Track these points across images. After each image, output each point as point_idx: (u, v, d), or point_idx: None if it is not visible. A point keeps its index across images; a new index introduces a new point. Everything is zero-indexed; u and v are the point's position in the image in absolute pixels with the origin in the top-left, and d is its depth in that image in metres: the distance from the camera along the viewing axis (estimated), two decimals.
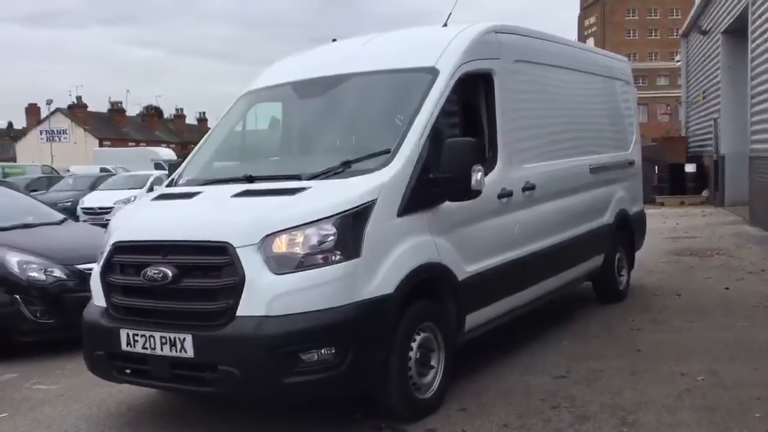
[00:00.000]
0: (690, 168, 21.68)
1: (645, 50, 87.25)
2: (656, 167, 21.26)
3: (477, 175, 4.60)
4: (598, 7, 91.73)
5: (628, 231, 8.03)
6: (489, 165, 5.40)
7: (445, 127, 4.94)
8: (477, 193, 4.69)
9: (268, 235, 4.11)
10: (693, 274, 9.41)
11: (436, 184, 4.61)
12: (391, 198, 4.40)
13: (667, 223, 15.47)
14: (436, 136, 4.70)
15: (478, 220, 5.14)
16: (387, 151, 4.59)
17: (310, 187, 4.43)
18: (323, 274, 4.07)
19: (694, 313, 7.16)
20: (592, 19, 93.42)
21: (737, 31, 17.00)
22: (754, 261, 10.18)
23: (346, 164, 4.59)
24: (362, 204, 4.24)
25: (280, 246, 4.11)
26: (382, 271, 4.22)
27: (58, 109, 65.60)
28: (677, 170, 21.84)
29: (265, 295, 4.02)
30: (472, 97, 5.48)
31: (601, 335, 6.50)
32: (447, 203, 4.73)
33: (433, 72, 5.00)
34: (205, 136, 5.97)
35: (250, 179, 4.78)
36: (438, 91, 4.91)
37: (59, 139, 63.37)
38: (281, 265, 4.07)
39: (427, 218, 4.64)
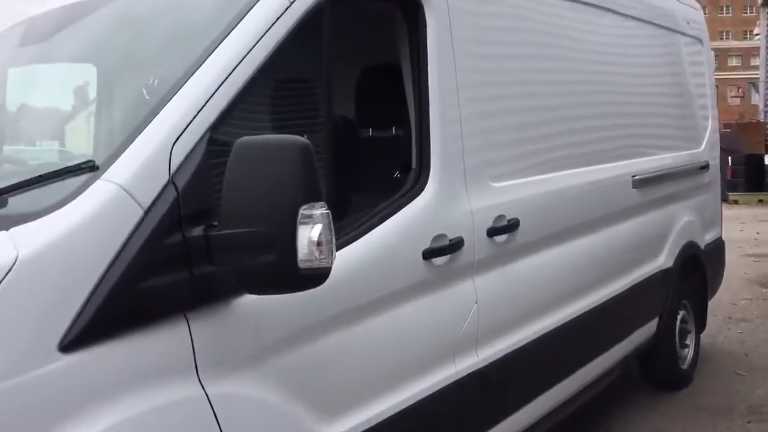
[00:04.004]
0: None
1: (715, 28, 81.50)
2: (729, 158, 18.49)
3: (311, 232, 1.81)
4: None
5: (697, 275, 5.10)
6: (411, 188, 2.65)
7: (284, 110, 2.29)
8: (314, 279, 1.89)
9: None
10: None
11: (206, 251, 1.86)
12: (55, 297, 1.65)
13: (745, 231, 12.26)
14: (224, 134, 1.97)
15: (361, 318, 2.37)
16: (91, 167, 1.85)
17: None
18: None
19: None
20: None
21: None
22: None
23: None
24: None
25: None
26: None
27: None
28: (755, 162, 19.37)
29: None
30: (373, 50, 2.80)
31: None
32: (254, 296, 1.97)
33: None
34: None
35: None
36: (256, 24, 2.14)
37: None
38: None
39: (181, 341, 1.87)
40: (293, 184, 1.80)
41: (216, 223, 1.85)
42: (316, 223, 1.82)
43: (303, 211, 1.80)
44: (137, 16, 2.46)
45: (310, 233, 1.81)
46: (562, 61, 3.56)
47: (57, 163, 2.06)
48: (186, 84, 1.98)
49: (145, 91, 2.05)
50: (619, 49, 4.19)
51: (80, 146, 2.25)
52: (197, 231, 1.85)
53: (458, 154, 2.78)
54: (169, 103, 1.94)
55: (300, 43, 2.26)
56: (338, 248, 2.26)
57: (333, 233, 1.86)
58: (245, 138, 1.84)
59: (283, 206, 1.79)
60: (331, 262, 1.87)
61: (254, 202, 1.79)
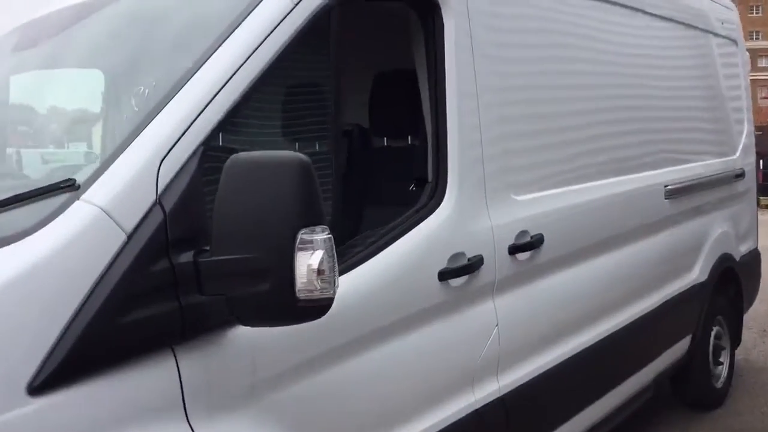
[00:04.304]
0: None
1: (745, 29, 79.76)
2: (761, 161, 17.80)
3: (311, 259, 1.62)
4: None
5: (732, 289, 4.84)
6: (426, 203, 2.45)
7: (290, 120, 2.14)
8: (314, 312, 1.69)
9: None
10: None
11: (195, 279, 1.68)
12: (24, 332, 1.48)
13: None
14: (222, 148, 1.79)
15: (371, 346, 2.18)
16: (71, 186, 1.68)
17: None
18: None
19: None
20: None
21: None
22: None
23: None
24: None
25: None
26: None
27: None
28: None
29: None
30: (387, 54, 2.64)
31: None
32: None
33: None
34: None
35: None
36: (257, 27, 1.96)
37: None
38: None
39: (168, 378, 1.68)
40: (291, 206, 1.62)
41: (208, 248, 1.68)
42: (317, 249, 1.64)
43: (302, 235, 1.62)
44: (130, 20, 2.30)
45: (309, 260, 1.63)
46: (589, 65, 3.34)
47: (37, 181, 1.90)
48: (178, 93, 1.81)
49: (134, 102, 1.89)
50: (648, 51, 3.95)
51: (63, 161, 2.09)
52: (186, 257, 1.67)
53: (478, 164, 2.58)
54: (158, 115, 1.77)
55: (305, 48, 2.08)
56: (347, 270, 2.09)
57: (336, 260, 1.68)
58: (238, 154, 1.67)
59: (279, 230, 1.61)
60: (334, 293, 1.69)
61: (248, 225, 1.61)
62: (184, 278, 1.66)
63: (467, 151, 2.54)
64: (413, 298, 2.33)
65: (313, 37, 2.08)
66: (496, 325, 2.64)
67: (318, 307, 1.67)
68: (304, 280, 1.62)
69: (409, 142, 2.92)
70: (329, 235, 1.66)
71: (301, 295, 1.63)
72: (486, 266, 2.56)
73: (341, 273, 2.08)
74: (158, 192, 1.68)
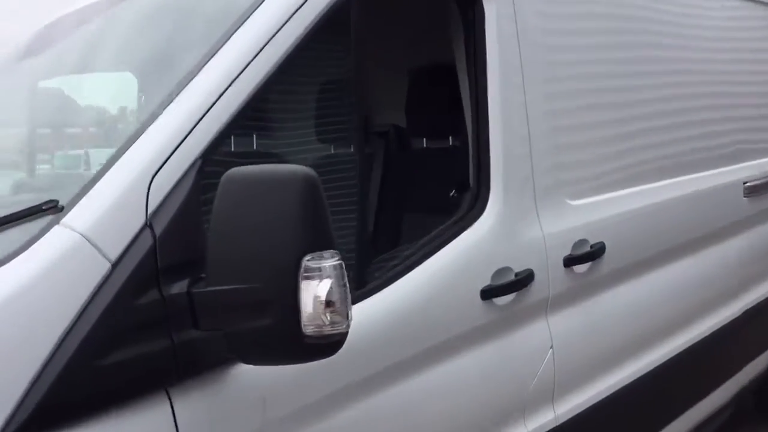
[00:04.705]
0: None
1: None
2: None
3: (317, 289, 1.39)
4: None
5: None
6: (467, 212, 2.19)
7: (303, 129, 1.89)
8: (324, 349, 1.45)
9: None
10: None
11: (190, 312, 1.46)
12: None
13: None
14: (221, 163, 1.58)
15: (403, 375, 1.93)
16: (54, 207, 1.49)
17: None
18: None
19: None
20: None
21: None
22: None
23: None
24: None
25: None
26: None
27: None
28: None
29: None
30: (423, 48, 2.40)
31: None
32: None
33: None
34: None
35: None
36: (266, 23, 1.73)
37: None
38: None
39: (162, 424, 1.44)
40: (294, 228, 1.39)
41: (204, 276, 1.47)
42: (325, 277, 1.40)
43: (307, 262, 1.39)
44: (128, 20, 2.11)
45: (316, 291, 1.40)
46: (656, 49, 2.99)
47: (19, 201, 1.72)
48: (175, 99, 1.60)
49: (129, 110, 1.69)
50: (724, 33, 3.56)
51: (47, 180, 1.91)
52: (179, 287, 1.46)
53: (526, 165, 2.30)
54: (152, 124, 1.57)
55: (322, 44, 1.85)
56: (374, 290, 1.86)
57: (348, 289, 1.44)
58: (236, 169, 1.44)
59: (281, 256, 1.38)
60: (347, 327, 1.45)
61: (246, 250, 1.39)
62: (176, 311, 1.45)
63: (513, 150, 2.26)
64: (452, 320, 2.07)
65: (331, 32, 1.84)
66: (551, 347, 2.36)
67: (329, 344, 1.44)
68: (310, 314, 1.39)
69: (450, 143, 2.65)
70: (339, 261, 1.42)
71: (308, 330, 1.40)
72: (537, 281, 2.27)
73: (368, 294, 1.87)
74: (148, 213, 1.47)
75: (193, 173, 1.53)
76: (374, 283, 1.90)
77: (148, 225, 1.46)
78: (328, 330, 1.41)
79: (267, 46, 1.70)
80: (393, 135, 2.80)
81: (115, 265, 1.42)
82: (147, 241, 1.45)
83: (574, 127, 2.54)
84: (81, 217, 1.44)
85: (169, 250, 1.47)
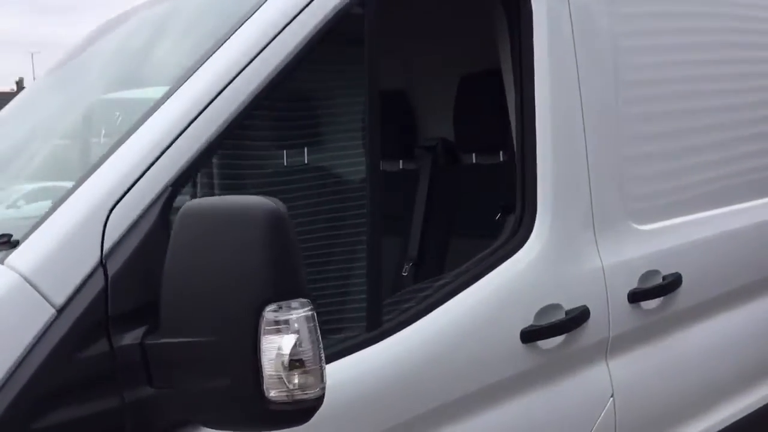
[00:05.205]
0: None
1: None
2: None
3: (281, 346, 1.16)
4: None
5: None
6: (508, 239, 1.90)
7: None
8: (292, 417, 1.22)
9: None
10: None
11: (143, 367, 1.25)
12: None
13: None
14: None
15: (436, 428, 1.67)
16: (7, 243, 1.33)
17: None
18: None
19: None
20: None
21: None
22: None
23: None
24: None
25: None
26: None
27: None
28: None
29: None
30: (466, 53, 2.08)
31: None
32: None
33: None
34: None
35: None
36: (259, 30, 1.51)
37: None
38: None
39: None
40: (255, 272, 1.16)
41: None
42: (292, 331, 1.17)
43: (269, 313, 1.16)
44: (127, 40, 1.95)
45: (279, 348, 1.16)
46: (742, 50, 2.57)
47: None
48: (149, 118, 1.41)
49: (103, 133, 1.51)
50: None
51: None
52: (132, 337, 1.26)
53: (582, 183, 1.99)
54: (118, 149, 1.38)
55: (328, 52, 1.61)
56: (394, 330, 1.62)
57: (320, 345, 1.20)
58: (193, 202, 1.24)
59: (239, 306, 1.16)
60: (321, 391, 1.21)
61: (202, 298, 1.18)
62: (128, 366, 1.25)
63: (566, 165, 1.96)
64: (487, 366, 1.78)
65: (340, 35, 1.61)
66: (612, 396, 2.03)
67: (299, 411, 1.20)
68: (272, 375, 1.16)
69: (501, 158, 2.36)
70: (311, 312, 1.19)
71: (271, 394, 1.17)
72: (594, 320, 1.95)
73: (388, 332, 1.62)
74: (103, 251, 1.29)
75: (160, 203, 1.34)
76: (392, 322, 1.65)
77: (102, 264, 1.28)
78: (298, 395, 1.18)
79: (265, 50, 1.49)
80: (440, 149, 2.53)
81: (60, 310, 1.24)
82: (98, 284, 1.26)
83: (645, 137, 2.19)
84: (26, 255, 1.27)
85: (125, 293, 1.27)
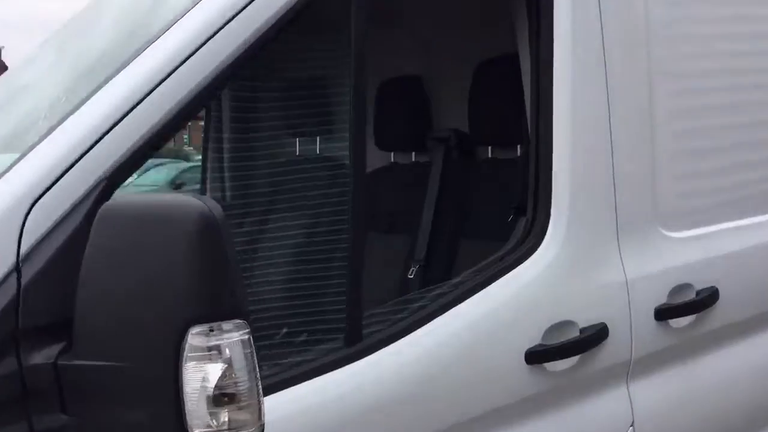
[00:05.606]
0: None
1: None
2: None
3: (207, 376, 0.96)
4: None
5: None
6: (516, 245, 1.67)
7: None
8: None
9: None
10: None
11: (57, 390, 1.06)
12: None
13: None
14: None
15: None
16: None
17: None
18: None
19: None
20: None
21: None
22: None
23: None
24: None
25: None
26: None
27: None
28: None
29: None
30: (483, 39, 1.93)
31: None
32: None
33: None
34: None
35: None
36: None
37: None
38: None
39: None
40: (180, 287, 0.97)
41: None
42: (222, 359, 0.97)
43: (193, 337, 0.96)
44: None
45: (205, 379, 0.97)
46: None
47: None
48: (88, 102, 1.23)
49: (41, 123, 1.32)
50: None
51: None
52: (43, 356, 1.08)
53: (604, 180, 1.75)
54: (53, 133, 1.20)
55: (301, 35, 1.41)
56: (383, 343, 1.43)
57: (258, 376, 1.00)
58: (113, 201, 1.05)
59: (158, 327, 0.97)
60: (259, 429, 1.01)
61: (118, 315, 1.00)
62: (39, 388, 1.08)
63: (586, 162, 1.72)
64: (487, 390, 1.57)
65: (315, 16, 1.39)
66: (632, 425, 1.79)
67: None
68: (195, 409, 0.97)
69: (519, 153, 2.13)
70: (246, 336, 0.99)
71: (190, 425, 0.98)
72: (614, 340, 1.72)
73: (371, 349, 1.42)
74: (19, 254, 1.11)
75: (90, 200, 1.15)
76: (374, 337, 1.45)
77: (16, 269, 1.10)
78: (201, 425, 0.98)
79: (224, 28, 1.29)
80: (453, 142, 2.31)
81: None
82: (10, 291, 1.08)
83: (681, 133, 1.94)
84: None
85: (40, 304, 1.09)
